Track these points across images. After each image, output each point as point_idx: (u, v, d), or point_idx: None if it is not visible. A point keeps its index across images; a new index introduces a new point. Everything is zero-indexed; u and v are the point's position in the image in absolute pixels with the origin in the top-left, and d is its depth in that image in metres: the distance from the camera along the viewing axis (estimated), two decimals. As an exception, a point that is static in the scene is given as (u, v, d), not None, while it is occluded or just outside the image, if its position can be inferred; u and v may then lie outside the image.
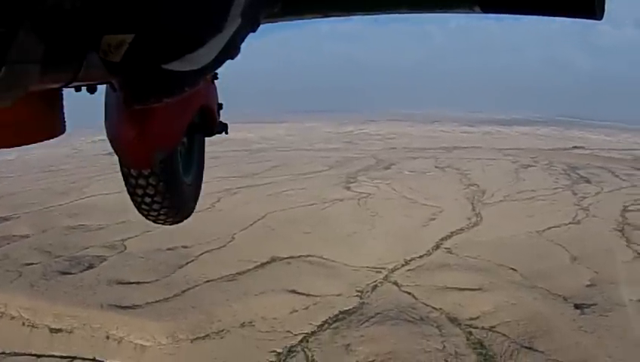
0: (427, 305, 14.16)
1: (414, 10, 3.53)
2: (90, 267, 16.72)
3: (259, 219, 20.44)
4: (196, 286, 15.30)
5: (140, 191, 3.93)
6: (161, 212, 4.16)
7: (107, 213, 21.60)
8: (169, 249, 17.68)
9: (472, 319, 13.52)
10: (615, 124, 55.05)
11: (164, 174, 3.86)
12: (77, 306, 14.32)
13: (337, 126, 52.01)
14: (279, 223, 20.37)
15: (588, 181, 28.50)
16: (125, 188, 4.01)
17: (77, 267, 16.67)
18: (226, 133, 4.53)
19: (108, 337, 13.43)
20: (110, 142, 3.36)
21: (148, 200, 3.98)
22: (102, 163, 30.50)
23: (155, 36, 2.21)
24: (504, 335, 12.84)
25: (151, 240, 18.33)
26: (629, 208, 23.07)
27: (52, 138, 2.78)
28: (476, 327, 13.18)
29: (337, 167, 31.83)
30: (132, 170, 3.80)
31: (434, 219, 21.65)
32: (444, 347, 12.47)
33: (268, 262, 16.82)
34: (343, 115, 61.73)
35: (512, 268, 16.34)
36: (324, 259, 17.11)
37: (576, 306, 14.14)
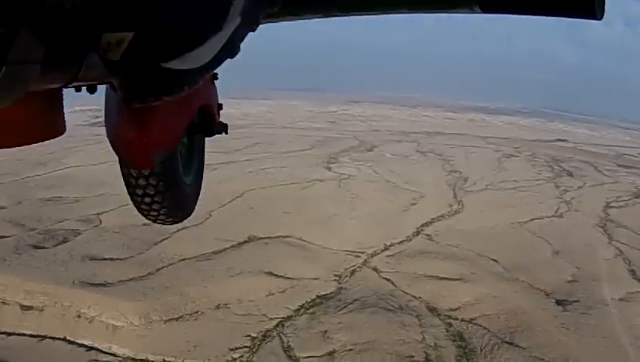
0: (406, 293, 13.86)
1: (414, 10, 3.52)
2: (64, 241, 16.19)
3: (237, 197, 20.04)
4: (171, 264, 14.86)
5: (139, 192, 3.91)
6: (161, 212, 4.15)
7: (84, 185, 21.16)
8: (145, 224, 16.96)
9: (452, 310, 13.24)
10: (599, 120, 55.36)
11: (164, 174, 3.84)
12: (49, 283, 13.81)
13: (321, 105, 51.58)
14: (258, 202, 19.96)
15: (570, 174, 28.43)
16: (126, 191, 3.97)
17: (50, 241, 16.12)
18: (226, 133, 4.48)
19: (79, 316, 12.95)
20: (110, 142, 3.35)
21: (148, 200, 3.96)
22: (81, 133, 29.96)
23: (154, 34, 2.20)
24: (485, 328, 12.56)
25: (127, 215, 17.45)
26: (611, 204, 23.01)
27: (52, 138, 2.75)
28: (456, 319, 12.90)
29: (319, 147, 31.46)
30: (132, 170, 3.78)
31: (415, 204, 21.37)
32: (424, 338, 12.17)
33: (245, 242, 16.42)
34: (327, 94, 61.30)
35: (494, 259, 16.10)
36: (302, 240, 16.73)
37: (558, 302, 13.94)
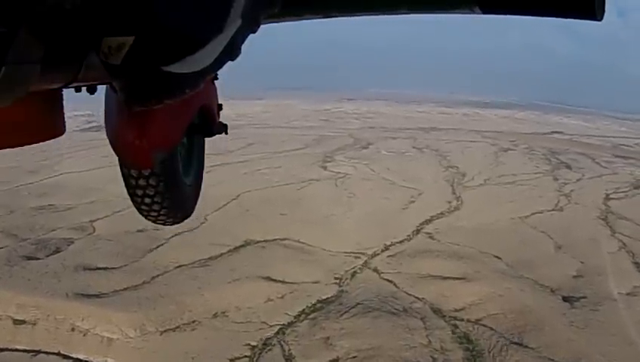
0: (409, 295, 13.53)
1: (414, 11, 3.54)
2: (57, 251, 15.83)
3: (233, 199, 19.73)
4: (166, 272, 14.50)
5: (139, 192, 3.94)
6: (161, 212, 4.18)
7: (77, 192, 20.83)
8: (139, 231, 16.84)
9: (457, 310, 12.92)
10: (594, 111, 55.09)
11: (164, 175, 3.86)
12: (41, 295, 13.48)
13: (315, 104, 51.20)
14: (254, 204, 19.66)
15: (568, 167, 28.17)
16: (126, 191, 4.02)
17: (43, 251, 15.75)
18: (226, 133, 4.53)
19: (73, 329, 12.60)
20: (110, 142, 3.37)
21: (148, 200, 4.00)
22: (75, 139, 29.46)
23: (155, 38, 2.18)
24: (491, 329, 12.23)
25: (121, 222, 17.44)
26: (611, 196, 22.75)
27: (52, 138, 2.80)
28: (462, 320, 12.57)
29: (314, 146, 31.15)
30: (132, 171, 3.80)
31: (413, 201, 21.06)
32: (430, 342, 11.83)
33: (242, 246, 16.10)
34: (321, 93, 60.86)
35: (497, 256, 15.80)
36: (300, 242, 16.40)
37: (565, 299, 13.64)
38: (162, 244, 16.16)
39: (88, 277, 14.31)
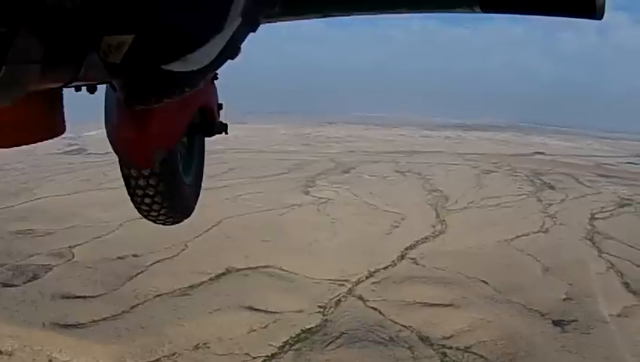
0: (396, 323, 13.08)
1: (414, 10, 3.57)
2: (35, 278, 15.19)
3: (214, 226, 19.31)
4: (146, 301, 13.95)
5: (140, 192, 4.03)
6: (161, 212, 4.28)
7: (57, 216, 20.29)
8: (119, 258, 16.40)
9: (445, 338, 12.46)
10: (576, 131, 55.28)
11: (164, 174, 3.96)
12: (18, 324, 12.80)
13: (295, 128, 51.04)
14: (235, 230, 19.26)
15: (552, 187, 28.13)
16: (126, 191, 4.11)
17: (20, 278, 15.15)
18: (226, 133, 4.71)
19: (50, 361, 11.95)
20: (110, 142, 3.49)
21: (148, 200, 4.09)
22: (56, 162, 29.52)
23: (155, 37, 2.23)
24: (481, 356, 11.78)
25: (100, 248, 17.13)
26: (597, 216, 22.65)
27: (52, 138, 2.88)
28: (450, 348, 12.12)
29: (295, 171, 30.90)
30: (132, 171, 3.92)
31: (397, 226, 20.74)
32: (418, 372, 11.39)
33: (223, 274, 15.61)
34: (301, 116, 60.95)
35: (483, 281, 15.45)
36: (283, 270, 15.97)
37: (556, 323, 13.28)
38: (142, 272, 15.64)
39: (67, 306, 13.73)
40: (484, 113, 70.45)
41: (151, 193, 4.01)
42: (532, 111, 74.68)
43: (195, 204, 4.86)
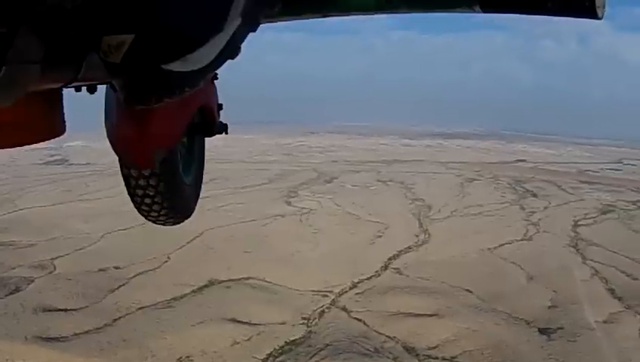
0: (380, 334, 12.91)
1: (414, 10, 3.54)
2: (16, 291, 14.92)
3: (196, 237, 19.05)
4: (128, 314, 13.71)
5: (140, 192, 3.96)
6: (162, 212, 4.22)
7: (39, 228, 20.02)
8: (101, 270, 16.20)
9: (430, 348, 12.31)
10: (557, 138, 55.70)
11: (164, 174, 3.89)
12: (0, 338, 12.54)
13: (277, 137, 50.98)
14: (218, 241, 19.06)
15: (535, 195, 28.15)
16: (126, 192, 4.02)
17: (2, 290, 14.88)
18: (226, 133, 4.66)
19: (32, 376, 11.72)
20: (110, 142, 3.40)
21: (148, 201, 4.03)
22: (38, 173, 29.10)
23: (155, 36, 2.24)
24: (468, 367, 11.64)
25: (82, 260, 16.92)
26: (580, 223, 22.65)
27: (52, 138, 2.84)
28: (436, 358, 11.97)
29: (277, 181, 30.74)
30: (132, 171, 3.84)
31: (380, 236, 20.60)
32: (404, 383, 11.21)
33: (206, 286, 15.39)
34: (283, 126, 60.82)
35: (468, 290, 15.32)
36: (266, 281, 15.75)
37: (541, 331, 13.17)
38: (124, 284, 15.39)
39: (48, 319, 13.45)
40: (466, 121, 70.80)
41: (151, 193, 3.98)
42: (513, 119, 75.16)
43: (196, 204, 4.95)
